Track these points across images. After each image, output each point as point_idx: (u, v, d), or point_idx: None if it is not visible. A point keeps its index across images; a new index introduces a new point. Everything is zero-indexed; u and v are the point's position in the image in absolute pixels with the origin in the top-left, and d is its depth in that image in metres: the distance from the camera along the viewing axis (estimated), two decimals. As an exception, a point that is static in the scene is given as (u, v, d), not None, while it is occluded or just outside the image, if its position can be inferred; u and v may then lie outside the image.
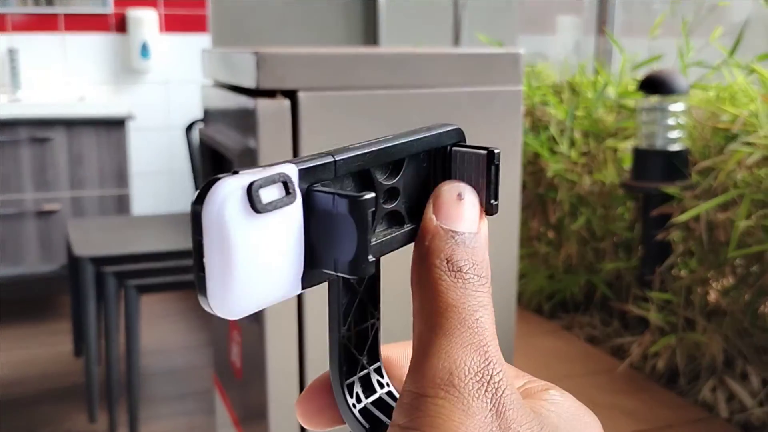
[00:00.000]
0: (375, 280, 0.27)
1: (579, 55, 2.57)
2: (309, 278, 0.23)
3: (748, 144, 1.36)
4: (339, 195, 0.22)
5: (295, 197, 0.22)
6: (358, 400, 0.26)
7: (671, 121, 1.61)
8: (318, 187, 0.23)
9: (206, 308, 0.21)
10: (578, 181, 1.78)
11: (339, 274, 0.24)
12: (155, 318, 3.09)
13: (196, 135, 2.73)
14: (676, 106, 1.61)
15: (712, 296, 1.53)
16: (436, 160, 0.27)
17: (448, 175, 0.27)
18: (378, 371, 0.27)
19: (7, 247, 2.93)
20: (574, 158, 1.79)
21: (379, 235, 0.26)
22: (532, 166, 1.90)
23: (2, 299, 3.31)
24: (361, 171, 0.25)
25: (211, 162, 1.48)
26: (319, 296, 1.21)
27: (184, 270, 2.17)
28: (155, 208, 3.42)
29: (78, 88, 3.35)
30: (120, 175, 2.99)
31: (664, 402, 1.40)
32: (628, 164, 1.74)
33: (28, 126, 2.85)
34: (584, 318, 1.82)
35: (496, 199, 0.27)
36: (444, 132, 0.27)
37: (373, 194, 0.22)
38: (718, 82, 1.63)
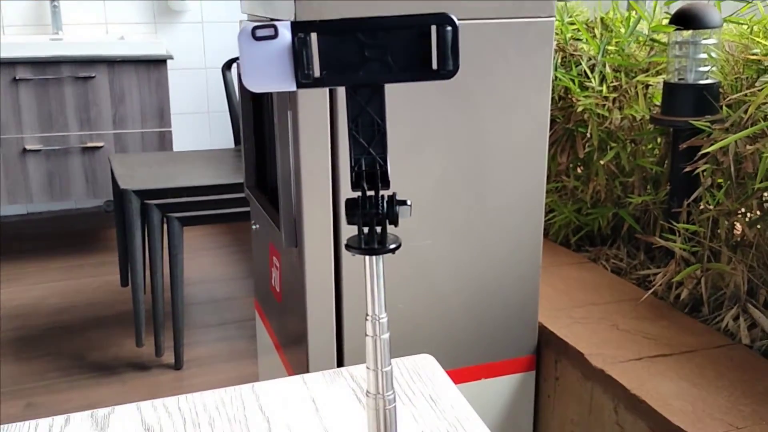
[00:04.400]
0: (380, 101, 0.41)
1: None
2: (304, 84, 0.41)
3: (779, 76, 1.37)
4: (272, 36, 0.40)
5: (277, 36, 0.40)
6: (360, 168, 0.42)
7: (703, 56, 1.62)
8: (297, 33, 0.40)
9: (246, 84, 0.41)
10: (608, 116, 1.80)
11: (298, 82, 0.41)
12: (197, 251, 3.20)
13: (233, 73, 2.78)
14: (709, 40, 1.62)
15: (738, 228, 1.56)
16: (423, 36, 0.40)
17: (426, 46, 0.41)
18: (383, 158, 0.42)
19: (54, 183, 3.05)
20: (605, 93, 1.81)
21: (361, 67, 0.40)
22: (563, 102, 1.92)
23: (51, 233, 3.45)
24: (351, 32, 0.40)
25: (250, 94, 1.54)
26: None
27: (224, 203, 2.25)
28: (194, 147, 3.50)
29: (117, 29, 3.41)
30: (161, 113, 3.06)
31: (686, 329, 1.45)
32: (659, 100, 1.76)
33: (70, 64, 2.93)
34: (611, 251, 1.87)
35: (442, 64, 0.40)
36: (424, 15, 0.38)
37: (271, 30, 0.40)
38: (751, 15, 1.63)
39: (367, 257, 0.42)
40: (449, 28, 0.39)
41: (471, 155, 1.34)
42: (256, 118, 1.58)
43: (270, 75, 0.40)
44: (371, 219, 0.41)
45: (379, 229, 0.42)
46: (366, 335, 0.44)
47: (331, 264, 1.29)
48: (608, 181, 1.88)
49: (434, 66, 0.40)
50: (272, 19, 1.34)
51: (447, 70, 0.40)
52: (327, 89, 1.23)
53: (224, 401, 0.75)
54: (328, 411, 0.73)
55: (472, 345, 1.41)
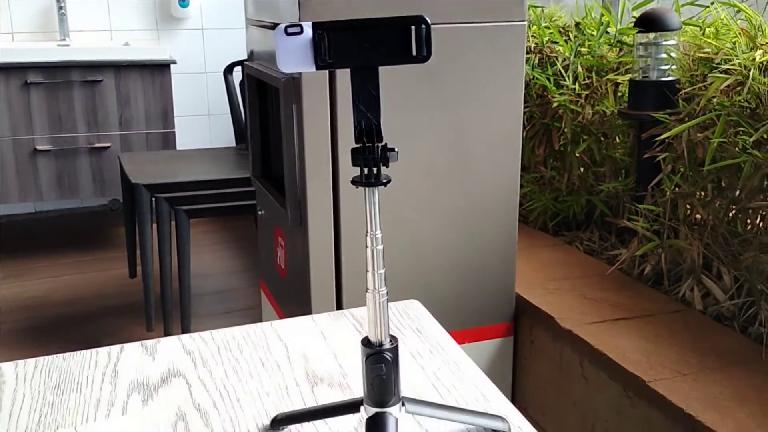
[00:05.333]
0: (375, 79, 0.57)
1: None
2: (321, 66, 0.57)
3: (726, 72, 1.55)
4: (298, 32, 0.56)
5: (302, 32, 0.56)
6: (361, 127, 0.58)
7: (664, 55, 1.80)
8: (317, 30, 0.57)
9: (279, 67, 0.57)
10: (581, 111, 1.98)
11: (317, 65, 0.57)
12: (201, 247, 3.37)
13: (234, 77, 2.95)
14: (669, 41, 1.80)
15: (694, 208, 1.74)
16: (406, 32, 0.57)
17: (407, 39, 0.56)
18: (377, 120, 0.58)
19: (63, 182, 3.20)
20: (578, 91, 1.99)
21: (361, 54, 0.56)
22: (541, 99, 2.10)
23: (59, 230, 3.61)
24: (354, 29, 0.56)
25: (257, 92, 1.71)
26: (351, 206, 1.43)
27: (228, 197, 2.42)
28: (196, 147, 3.65)
29: (121, 35, 3.57)
30: (165, 115, 3.22)
31: (647, 297, 1.63)
32: (627, 97, 1.94)
33: (79, 69, 3.09)
34: (585, 234, 2.05)
35: (418, 52, 0.56)
36: (406, 17, 0.54)
37: (298, 28, 0.56)
38: (704, 19, 1.81)
39: (366, 189, 0.60)
40: (423, 26, 0.57)
41: (453, 143, 1.51)
42: (262, 115, 1.76)
43: (297, 60, 0.57)
44: (369, 162, 0.59)
45: (375, 169, 0.59)
46: (366, 247, 0.61)
47: (332, 239, 1.46)
48: (582, 171, 2.06)
49: (414, 53, 0.57)
50: (277, 24, 1.51)
51: (422, 55, 0.57)
52: (327, 88, 1.41)
53: (249, 333, 0.91)
54: (334, 339, 0.89)
55: (457, 312, 1.58)
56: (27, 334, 2.61)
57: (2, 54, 3.02)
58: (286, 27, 0.56)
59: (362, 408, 0.64)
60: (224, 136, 3.68)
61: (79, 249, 3.39)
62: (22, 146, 3.12)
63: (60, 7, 3.41)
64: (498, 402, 0.75)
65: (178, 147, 3.37)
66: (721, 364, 1.32)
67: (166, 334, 2.51)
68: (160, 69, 3.16)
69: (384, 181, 0.59)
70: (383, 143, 0.59)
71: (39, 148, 3.12)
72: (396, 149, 0.60)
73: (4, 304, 2.85)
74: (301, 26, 0.57)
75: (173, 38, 3.61)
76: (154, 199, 2.38)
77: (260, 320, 2.26)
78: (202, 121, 3.74)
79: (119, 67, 3.12)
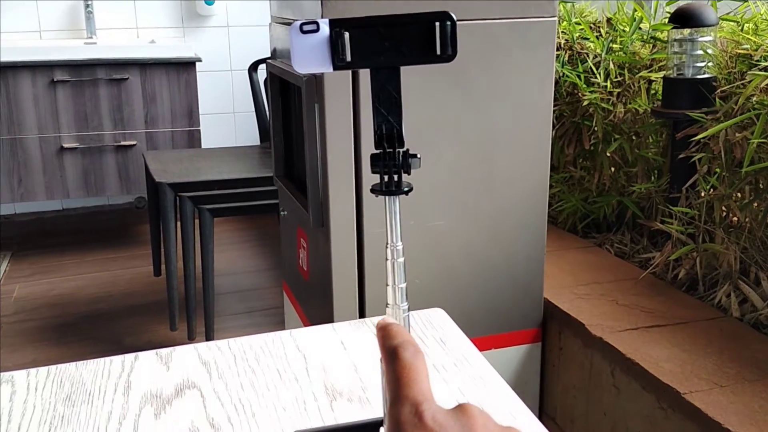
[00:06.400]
0: (397, 80, 0.53)
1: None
2: (339, 67, 0.53)
3: (766, 69, 1.49)
4: (315, 30, 0.52)
5: (319, 30, 0.52)
6: (381, 131, 0.54)
7: (699, 52, 1.74)
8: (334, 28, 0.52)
9: (295, 68, 0.52)
10: (613, 110, 1.92)
11: (334, 65, 0.53)
12: (224, 245, 3.36)
13: (259, 75, 2.93)
14: (705, 38, 1.74)
15: (731, 210, 1.68)
16: (429, 29, 0.53)
17: (431, 36, 0.52)
18: (398, 123, 0.54)
19: (89, 179, 3.21)
20: (609, 89, 1.93)
21: (382, 53, 0.53)
22: (571, 97, 2.04)
23: (85, 227, 3.62)
24: (374, 27, 0.52)
25: (280, 91, 1.68)
26: (374, 208, 1.40)
27: (251, 196, 2.40)
28: (221, 145, 3.64)
29: (147, 33, 3.57)
30: (190, 113, 3.21)
31: (681, 304, 1.57)
32: (660, 95, 1.87)
33: (105, 67, 3.09)
34: (615, 236, 1.99)
35: (443, 50, 0.53)
36: (430, 13, 0.50)
37: (314, 25, 0.52)
38: (743, 14, 1.74)
39: (387, 197, 0.55)
40: (448, 22, 0.53)
41: (480, 144, 1.47)
42: (285, 115, 1.73)
43: (313, 59, 0.53)
44: (390, 169, 0.54)
45: (395, 177, 0.55)
46: (385, 260, 0.57)
47: (354, 241, 1.43)
48: (613, 171, 2.00)
49: (438, 52, 0.53)
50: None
51: (447, 54, 0.53)
52: (351, 87, 1.37)
53: (267, 342, 0.88)
54: (354, 350, 0.86)
55: (483, 318, 1.54)
56: (55, 331, 2.61)
57: (29, 52, 3.03)
58: (302, 24, 0.53)
59: (382, 429, 0.61)
60: (249, 134, 3.66)
61: (104, 247, 3.40)
62: (49, 144, 3.13)
63: (87, 6, 3.41)
64: (526, 419, 0.71)
65: (203, 145, 3.36)
66: (760, 375, 1.26)
67: (189, 333, 2.50)
68: (186, 67, 3.15)
69: (405, 189, 0.55)
70: (405, 149, 0.55)
71: (65, 146, 3.13)
72: (419, 155, 0.55)
73: (31, 301, 2.86)
74: (317, 23, 0.53)
75: (199, 36, 3.60)
76: (177, 197, 2.37)
77: (283, 321, 2.23)
78: (228, 119, 3.73)
79: (145, 65, 3.11)
